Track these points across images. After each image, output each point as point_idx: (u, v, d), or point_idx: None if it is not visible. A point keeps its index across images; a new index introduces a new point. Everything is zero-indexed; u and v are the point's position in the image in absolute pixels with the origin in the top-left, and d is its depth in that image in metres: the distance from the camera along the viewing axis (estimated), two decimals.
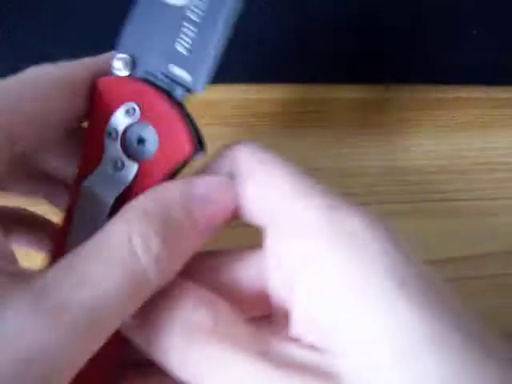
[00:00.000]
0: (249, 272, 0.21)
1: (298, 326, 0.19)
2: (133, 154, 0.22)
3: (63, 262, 0.18)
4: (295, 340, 0.19)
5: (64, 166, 0.25)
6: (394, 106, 0.35)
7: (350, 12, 0.35)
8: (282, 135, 0.34)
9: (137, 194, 0.20)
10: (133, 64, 0.23)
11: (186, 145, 0.21)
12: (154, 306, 0.19)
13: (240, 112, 0.34)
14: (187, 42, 0.22)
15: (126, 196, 0.22)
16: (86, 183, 0.22)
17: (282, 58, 0.34)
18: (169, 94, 0.22)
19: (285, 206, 0.20)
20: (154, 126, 0.22)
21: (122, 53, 0.23)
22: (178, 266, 0.19)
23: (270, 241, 0.21)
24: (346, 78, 0.35)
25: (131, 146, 0.22)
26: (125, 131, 0.22)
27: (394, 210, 0.33)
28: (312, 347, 0.19)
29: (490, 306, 0.33)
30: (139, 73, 0.23)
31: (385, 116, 0.35)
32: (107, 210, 0.22)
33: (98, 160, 0.22)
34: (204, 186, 0.20)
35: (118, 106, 0.22)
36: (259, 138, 0.34)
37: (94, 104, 0.22)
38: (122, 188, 0.22)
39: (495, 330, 0.33)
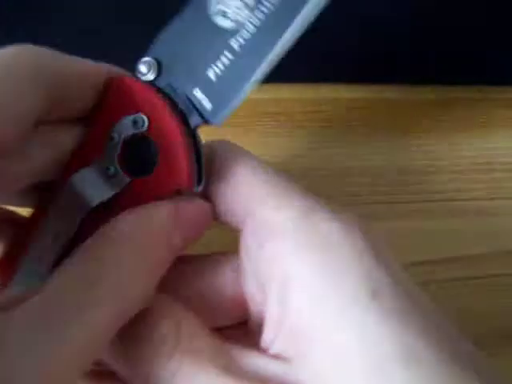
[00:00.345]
0: (223, 278, 0.21)
1: (269, 332, 0.19)
2: (128, 167, 0.21)
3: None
4: (264, 350, 0.19)
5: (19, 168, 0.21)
6: (394, 105, 0.35)
7: (349, 12, 0.35)
8: (281, 135, 0.34)
9: (121, 207, 0.19)
10: (158, 71, 0.21)
11: (184, 178, 0.20)
12: None
13: (240, 112, 0.34)
14: (220, 69, 0.20)
15: (111, 203, 0.21)
16: (73, 177, 0.21)
17: (283, 57, 0.34)
18: (184, 118, 0.21)
19: (259, 206, 0.19)
20: (158, 147, 0.20)
21: (150, 57, 0.21)
22: (153, 284, 0.19)
23: (245, 243, 0.20)
24: (346, 78, 0.35)
25: (129, 158, 0.21)
26: (127, 140, 0.21)
27: (394, 209, 0.33)
28: (279, 357, 0.18)
29: (490, 305, 0.33)
30: (161, 83, 0.21)
31: (385, 116, 0.35)
32: (87, 210, 0.21)
33: (92, 158, 0.21)
34: (192, 211, 0.20)
35: (128, 112, 0.21)
36: (259, 138, 0.34)
37: (106, 101, 0.21)
38: (107, 195, 0.20)
39: (495, 330, 0.33)
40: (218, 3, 0.20)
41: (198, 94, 0.21)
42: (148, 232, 0.18)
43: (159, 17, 0.22)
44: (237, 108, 0.21)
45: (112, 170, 0.21)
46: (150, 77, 0.21)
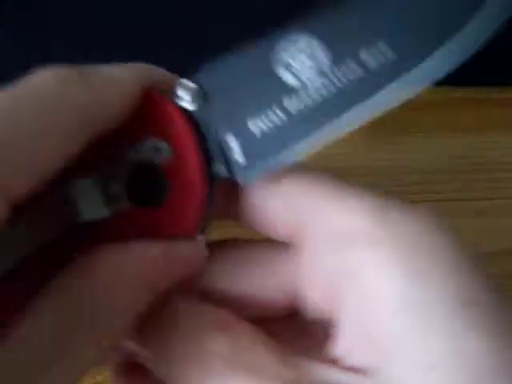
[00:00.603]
0: (279, 270, 0.19)
1: (343, 342, 0.17)
2: (131, 191, 0.18)
3: None
4: (333, 360, 0.17)
5: None
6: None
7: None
8: None
9: (111, 232, 0.18)
10: (198, 101, 0.18)
11: (189, 227, 0.18)
12: (169, 329, 0.18)
13: None
14: (266, 126, 0.18)
15: (101, 223, 0.18)
16: (70, 182, 0.18)
17: None
18: (208, 163, 0.18)
19: (322, 211, 0.18)
20: (170, 183, 0.18)
21: (194, 83, 0.19)
22: (131, 320, 0.17)
23: (306, 252, 0.18)
24: None
25: (136, 185, 0.18)
26: (140, 164, 0.18)
27: None
28: (353, 369, 0.17)
29: None
30: (197, 114, 0.18)
31: (385, 116, 0.35)
32: (72, 223, 0.18)
33: (97, 167, 0.19)
34: (185, 254, 0.18)
35: (152, 133, 0.18)
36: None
37: (132, 113, 0.18)
38: (101, 215, 0.18)
39: None
40: (285, 51, 0.18)
41: (232, 142, 0.18)
42: (132, 274, 0.17)
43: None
44: (272, 174, 0.18)
45: (114, 189, 0.18)
46: (187, 104, 0.18)
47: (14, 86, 0.16)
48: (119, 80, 0.17)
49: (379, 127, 0.35)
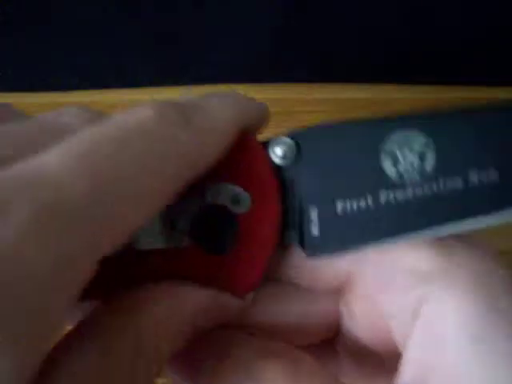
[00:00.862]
0: (320, 305, 0.19)
1: (408, 373, 0.17)
2: (197, 231, 0.17)
3: None
4: None
5: None
6: (394, 106, 0.35)
7: (349, 12, 0.35)
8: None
9: (166, 270, 0.17)
10: (291, 159, 0.17)
11: (246, 285, 0.17)
12: (220, 361, 0.17)
13: None
14: (352, 209, 0.17)
15: (162, 257, 0.17)
16: None
17: (282, 58, 0.34)
18: (283, 225, 0.17)
19: (380, 252, 0.18)
20: (241, 238, 0.17)
21: (292, 140, 0.18)
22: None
23: (356, 291, 0.18)
24: (346, 78, 0.35)
25: (204, 226, 0.17)
26: (215, 207, 0.17)
27: None
28: None
29: None
30: (285, 172, 0.18)
31: (385, 116, 0.35)
32: (126, 248, 0.16)
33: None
34: (234, 304, 0.17)
35: (237, 181, 0.17)
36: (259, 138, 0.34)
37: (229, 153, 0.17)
38: (157, 246, 0.17)
39: None
40: (396, 145, 0.17)
41: (313, 214, 0.17)
42: (178, 320, 0.16)
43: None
44: (339, 256, 0.18)
45: (180, 225, 0.17)
46: (279, 160, 0.18)
47: (111, 119, 0.14)
48: (221, 120, 0.16)
49: None
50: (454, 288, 0.16)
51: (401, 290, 0.17)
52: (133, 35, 0.34)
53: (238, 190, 0.17)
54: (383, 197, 0.17)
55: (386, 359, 0.19)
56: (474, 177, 0.17)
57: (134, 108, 0.15)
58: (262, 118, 0.19)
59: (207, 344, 0.17)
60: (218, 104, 0.16)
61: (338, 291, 0.19)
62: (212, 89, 0.34)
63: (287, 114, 0.34)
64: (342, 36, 0.35)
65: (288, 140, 0.18)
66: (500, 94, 0.36)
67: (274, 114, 0.37)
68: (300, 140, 0.18)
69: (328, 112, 0.35)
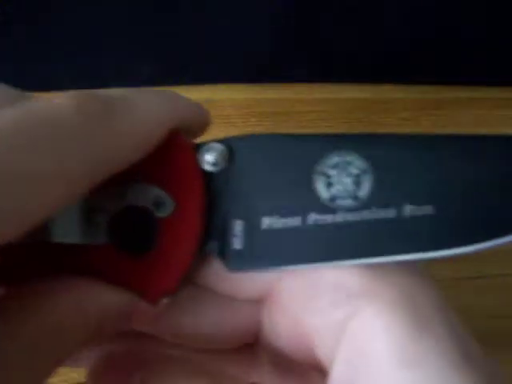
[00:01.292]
0: (233, 319, 0.19)
1: None
2: (116, 230, 0.17)
3: None
4: None
5: None
6: (394, 106, 0.35)
7: (349, 12, 0.35)
8: None
9: (79, 266, 0.16)
10: (222, 166, 0.17)
11: (160, 292, 0.17)
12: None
13: (240, 112, 0.34)
14: (278, 227, 0.16)
15: (76, 252, 0.17)
16: None
17: (282, 58, 0.34)
18: (206, 235, 0.17)
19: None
20: (160, 243, 0.16)
21: (224, 146, 0.17)
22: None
23: (277, 305, 0.18)
24: (346, 78, 0.35)
25: (123, 225, 0.17)
26: (135, 207, 0.17)
27: None
28: None
29: (490, 305, 0.33)
30: (215, 181, 0.17)
31: (385, 116, 0.35)
32: (40, 239, 0.16)
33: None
34: (146, 309, 0.17)
35: (162, 183, 0.16)
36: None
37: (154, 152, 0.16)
38: (72, 240, 0.16)
39: (495, 330, 0.33)
40: (332, 167, 0.16)
41: (238, 229, 0.17)
42: (82, 317, 0.15)
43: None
44: (260, 273, 0.17)
45: (97, 222, 0.16)
46: (209, 166, 0.17)
47: (22, 104, 0.13)
48: (147, 118, 0.15)
49: (379, 127, 0.35)
50: (382, 307, 0.15)
51: (325, 306, 0.17)
52: (133, 35, 0.34)
53: (162, 193, 0.16)
54: (312, 218, 0.16)
55: (309, 372, 0.19)
56: (408, 210, 0.16)
57: (59, 95, 0.14)
58: (198, 119, 0.18)
59: (131, 360, 0.17)
60: (147, 101, 0.16)
61: (261, 301, 0.18)
62: (212, 89, 0.34)
63: (287, 114, 0.34)
64: (341, 36, 0.35)
65: (221, 146, 0.17)
66: (500, 94, 0.36)
67: (274, 114, 0.37)
68: (234, 148, 0.17)
69: (328, 112, 0.35)
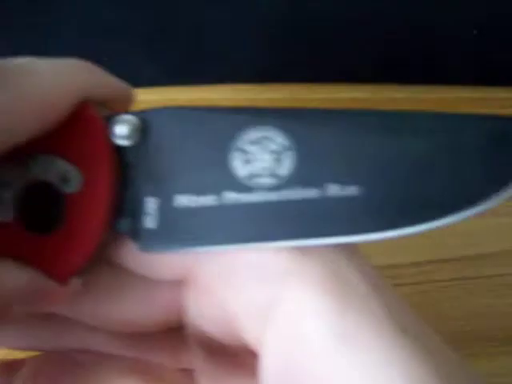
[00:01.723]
0: (151, 303, 0.18)
1: (270, 374, 0.16)
2: (23, 206, 0.16)
3: None
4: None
5: None
6: (394, 106, 0.35)
7: (349, 12, 0.35)
8: None
9: None
10: (135, 140, 0.16)
11: (68, 270, 0.16)
12: None
13: None
14: (194, 206, 0.16)
15: None
16: None
17: (281, 58, 0.34)
18: (117, 213, 0.16)
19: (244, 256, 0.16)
20: (67, 220, 0.16)
21: (138, 118, 0.16)
22: None
23: (198, 287, 0.17)
24: (346, 78, 0.35)
25: (30, 202, 0.16)
26: (41, 182, 0.16)
27: None
28: None
29: (490, 305, 0.33)
30: (127, 153, 0.16)
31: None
32: None
33: None
34: (55, 289, 0.16)
35: (69, 157, 0.16)
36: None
37: (64, 122, 0.15)
38: None
39: (495, 330, 0.33)
40: (250, 143, 0.15)
41: (150, 206, 0.16)
42: None
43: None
44: (174, 254, 0.16)
45: (4, 194, 0.16)
46: (121, 140, 0.16)
47: None
48: (50, 86, 0.14)
49: None
50: (310, 286, 0.15)
51: (249, 287, 0.16)
52: (133, 35, 0.34)
53: (69, 167, 0.15)
54: (228, 197, 0.15)
55: (242, 355, 0.18)
56: (331, 190, 0.15)
57: None
58: (113, 91, 0.17)
59: (66, 364, 0.17)
60: (49, 68, 0.15)
61: (182, 282, 0.18)
62: (212, 89, 0.34)
63: None
64: (341, 36, 0.35)
65: (134, 118, 0.16)
66: (500, 94, 0.36)
67: None
68: (148, 120, 0.16)
69: None
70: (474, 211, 0.15)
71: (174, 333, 0.19)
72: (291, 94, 0.35)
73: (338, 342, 0.15)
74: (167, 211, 0.16)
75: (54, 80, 0.15)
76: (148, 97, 0.33)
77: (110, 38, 0.33)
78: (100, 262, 0.17)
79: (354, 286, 0.15)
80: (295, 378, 0.15)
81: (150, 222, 0.16)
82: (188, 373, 0.19)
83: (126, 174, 0.16)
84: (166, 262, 0.17)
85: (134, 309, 0.18)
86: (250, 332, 0.16)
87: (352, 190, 0.15)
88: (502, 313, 0.33)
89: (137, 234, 0.16)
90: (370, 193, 0.15)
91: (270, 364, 0.16)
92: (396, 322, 0.15)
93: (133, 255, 0.17)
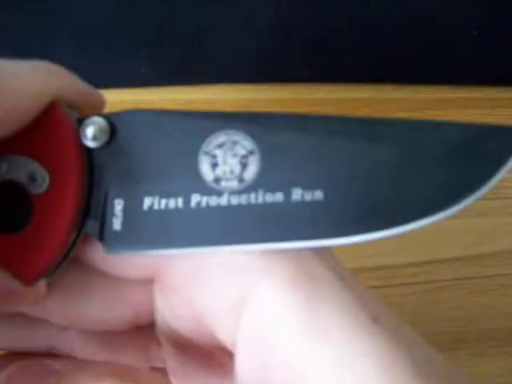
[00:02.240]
0: (118, 305, 0.18)
1: (243, 369, 0.16)
2: None
3: None
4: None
5: None
6: (394, 106, 0.35)
7: (349, 12, 0.35)
8: None
9: None
10: (102, 141, 0.16)
11: (34, 271, 0.16)
12: None
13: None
14: (161, 211, 0.16)
15: None
16: None
17: (282, 57, 0.34)
18: (84, 214, 0.16)
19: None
20: (34, 220, 0.16)
21: (105, 121, 0.16)
22: None
23: (167, 284, 0.18)
24: (346, 78, 0.35)
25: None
26: (6, 185, 0.16)
27: None
28: None
29: (490, 305, 0.33)
30: (95, 154, 0.16)
31: (385, 116, 0.35)
32: None
33: None
34: (20, 289, 0.16)
35: (37, 156, 0.16)
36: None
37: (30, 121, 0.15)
38: None
39: (495, 330, 0.33)
40: (218, 147, 0.16)
41: (118, 208, 0.16)
42: None
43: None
44: (140, 256, 0.16)
45: None
46: (89, 141, 0.16)
47: None
48: (13, 87, 0.15)
49: None
50: (279, 283, 0.15)
51: (217, 286, 0.16)
52: (133, 35, 0.34)
53: (37, 167, 0.16)
54: (195, 200, 0.16)
55: (214, 353, 0.18)
56: (296, 195, 0.15)
57: None
58: (83, 94, 0.17)
59: (41, 372, 0.17)
60: (19, 69, 0.15)
61: (152, 281, 0.18)
62: (212, 89, 0.34)
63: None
64: (342, 36, 0.35)
65: (102, 121, 0.16)
66: (500, 94, 0.36)
67: None
68: (117, 122, 0.16)
69: (328, 112, 0.35)
70: (436, 218, 0.15)
71: (145, 331, 0.19)
72: (291, 93, 0.35)
73: (309, 339, 0.15)
74: (134, 213, 0.16)
75: (22, 80, 0.15)
76: (148, 97, 0.33)
77: (110, 38, 0.33)
78: (67, 262, 0.17)
79: (325, 282, 0.15)
80: (269, 377, 0.15)
81: (116, 223, 0.16)
82: (163, 373, 0.19)
83: (94, 175, 0.16)
84: (132, 263, 0.17)
85: (102, 308, 0.18)
86: (223, 331, 0.17)
87: (317, 195, 0.15)
88: (501, 313, 0.33)
89: (103, 235, 0.16)
90: (334, 198, 0.15)
91: (242, 363, 0.16)
92: (368, 314, 0.15)
93: (100, 255, 0.17)
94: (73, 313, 0.18)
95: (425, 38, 0.36)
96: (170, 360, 0.19)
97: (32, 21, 0.34)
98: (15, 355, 0.19)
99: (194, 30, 0.34)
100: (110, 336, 0.19)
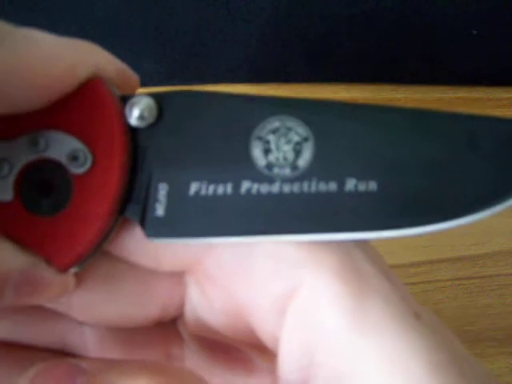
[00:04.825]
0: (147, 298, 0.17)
1: (289, 366, 0.16)
2: (25, 184, 0.15)
3: None
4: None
5: None
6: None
7: (349, 12, 0.35)
8: None
9: None
10: (148, 121, 0.15)
11: (65, 264, 0.15)
12: None
13: None
14: (208, 197, 0.15)
15: None
16: None
17: (282, 57, 0.34)
18: (126, 198, 0.15)
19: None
20: (72, 203, 0.15)
21: (153, 100, 0.15)
22: None
23: (204, 278, 0.17)
24: (346, 78, 0.35)
25: (34, 180, 0.15)
26: (44, 163, 0.15)
27: None
28: None
29: (490, 305, 0.33)
30: (140, 139, 0.15)
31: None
32: None
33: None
34: (51, 278, 0.15)
35: (80, 134, 0.15)
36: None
37: (72, 96, 0.15)
38: None
39: (495, 330, 0.33)
40: (271, 132, 0.15)
41: (161, 191, 0.15)
42: None
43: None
44: (183, 244, 0.16)
45: (5, 170, 0.15)
46: (134, 121, 0.15)
47: None
48: (48, 56, 0.14)
49: None
50: (325, 277, 0.15)
51: (263, 279, 0.15)
52: (133, 35, 0.34)
53: (79, 145, 0.15)
54: (245, 187, 0.15)
55: (243, 352, 0.18)
56: (350, 185, 0.15)
57: None
58: (121, 73, 0.16)
59: (73, 372, 0.16)
60: (54, 39, 0.14)
61: (186, 272, 0.17)
62: (212, 89, 0.33)
63: None
64: (342, 36, 0.35)
65: (149, 100, 0.15)
66: (500, 94, 0.36)
67: None
68: (164, 102, 0.15)
69: None
70: (488, 213, 0.14)
71: (164, 327, 0.18)
72: (291, 93, 0.35)
73: (355, 329, 0.14)
74: (178, 198, 0.15)
75: (56, 49, 0.14)
76: None
77: (110, 38, 0.33)
78: (100, 251, 0.16)
79: (368, 275, 0.15)
80: (314, 367, 0.15)
81: (159, 208, 0.15)
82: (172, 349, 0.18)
83: (138, 156, 0.15)
84: (169, 252, 0.16)
85: (131, 302, 0.17)
86: (263, 325, 0.16)
87: (371, 186, 0.15)
88: (501, 313, 0.33)
89: (144, 221, 0.15)
90: (388, 190, 0.15)
91: (287, 354, 0.15)
92: (409, 310, 0.15)
93: (135, 244, 0.16)
94: (97, 308, 0.17)
95: (425, 37, 0.36)
96: (192, 357, 0.18)
97: (31, 19, 0.34)
98: (22, 349, 0.17)
99: (194, 30, 0.34)
100: (129, 333, 0.18)
